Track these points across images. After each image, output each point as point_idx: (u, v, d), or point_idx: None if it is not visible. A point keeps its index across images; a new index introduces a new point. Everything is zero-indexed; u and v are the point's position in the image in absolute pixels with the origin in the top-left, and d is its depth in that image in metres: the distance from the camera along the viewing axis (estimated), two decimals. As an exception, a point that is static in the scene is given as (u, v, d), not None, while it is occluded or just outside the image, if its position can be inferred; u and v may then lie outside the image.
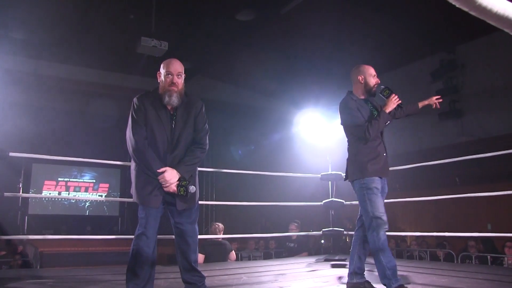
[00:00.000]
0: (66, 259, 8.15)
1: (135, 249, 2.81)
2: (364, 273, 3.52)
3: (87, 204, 12.48)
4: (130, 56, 9.18)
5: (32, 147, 7.24)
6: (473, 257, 6.82)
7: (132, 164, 2.98)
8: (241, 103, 11.99)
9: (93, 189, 12.65)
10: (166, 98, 2.91)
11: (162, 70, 3.00)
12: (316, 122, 6.58)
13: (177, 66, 2.99)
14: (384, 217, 3.21)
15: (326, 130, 6.26)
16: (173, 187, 2.82)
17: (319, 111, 6.96)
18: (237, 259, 6.94)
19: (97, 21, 8.56)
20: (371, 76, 3.48)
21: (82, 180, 12.59)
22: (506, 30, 0.74)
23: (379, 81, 3.52)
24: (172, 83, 2.93)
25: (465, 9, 0.71)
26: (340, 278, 4.11)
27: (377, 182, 3.30)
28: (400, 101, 3.43)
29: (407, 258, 7.89)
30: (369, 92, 3.48)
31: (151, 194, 2.84)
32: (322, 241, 9.23)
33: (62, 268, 5.17)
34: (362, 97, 3.49)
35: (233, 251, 6.26)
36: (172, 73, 2.95)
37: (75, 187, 12.37)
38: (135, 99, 2.96)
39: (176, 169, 2.86)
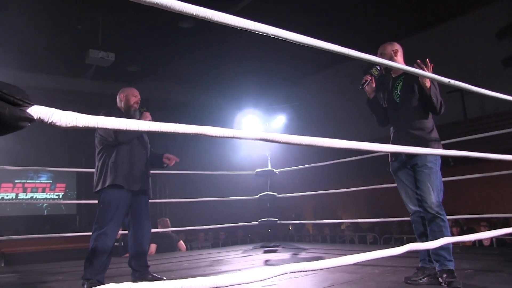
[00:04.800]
0: (28, 258, 8.42)
1: (95, 245, 3.30)
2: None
3: (45, 204, 12.81)
4: (81, 61, 9.59)
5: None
6: (393, 239, 7.80)
7: (111, 158, 3.50)
8: (187, 102, 12.61)
9: (50, 189, 12.95)
10: (132, 112, 3.67)
11: (125, 93, 3.73)
12: (255, 121, 7.40)
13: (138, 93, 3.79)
14: None
15: (265, 129, 7.06)
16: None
17: (258, 112, 7.78)
18: (187, 249, 7.67)
19: (47, 28, 8.89)
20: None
21: (39, 181, 12.85)
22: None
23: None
24: (136, 102, 3.71)
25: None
26: (266, 261, 4.89)
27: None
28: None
29: (341, 242, 8.84)
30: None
31: (136, 178, 3.51)
32: (269, 230, 10.03)
33: (25, 265, 5.65)
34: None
35: (182, 241, 6.96)
36: (137, 95, 3.74)
37: (32, 188, 12.65)
38: (102, 114, 3.50)
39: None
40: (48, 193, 12.88)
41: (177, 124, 1.25)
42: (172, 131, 1.23)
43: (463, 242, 6.31)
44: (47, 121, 1.01)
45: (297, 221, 8.42)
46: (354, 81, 3.47)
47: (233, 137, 1.39)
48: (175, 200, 7.13)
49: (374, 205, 10.28)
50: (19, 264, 5.86)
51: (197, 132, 1.28)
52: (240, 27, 1.48)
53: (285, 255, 5.43)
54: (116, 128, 1.15)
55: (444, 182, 5.33)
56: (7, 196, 12.12)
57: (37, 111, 1.00)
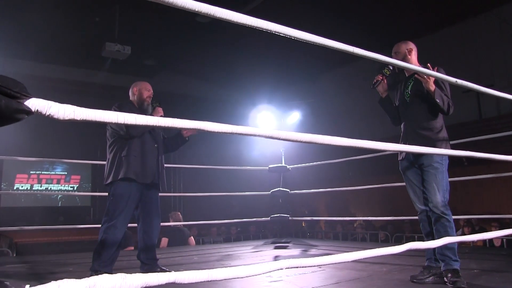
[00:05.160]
0: (40, 249, 8.52)
1: (104, 237, 3.34)
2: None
3: (60, 195, 12.96)
4: (97, 54, 9.67)
5: (1, 143, 7.69)
6: (404, 237, 7.76)
7: (123, 151, 3.53)
8: (202, 96, 12.66)
9: (65, 181, 13.08)
10: (144, 106, 3.69)
11: (138, 87, 3.74)
12: (269, 117, 7.42)
13: (151, 87, 3.79)
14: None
15: (279, 125, 7.08)
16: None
17: (273, 108, 7.79)
18: (199, 244, 7.73)
19: (64, 20, 8.96)
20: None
21: (54, 173, 12.98)
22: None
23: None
24: (149, 96, 3.71)
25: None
26: (276, 257, 4.89)
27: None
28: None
29: (353, 240, 8.81)
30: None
31: (147, 172, 3.53)
32: (280, 226, 10.02)
33: (36, 256, 5.71)
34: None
35: (192, 237, 7.00)
36: (149, 89, 3.74)
37: (47, 179, 12.77)
38: (115, 107, 3.56)
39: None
40: (63, 185, 13.04)
41: (175, 119, 1.27)
42: (170, 126, 1.25)
43: (473, 242, 6.25)
44: (45, 113, 1.03)
45: (308, 218, 8.43)
46: (368, 79, 3.48)
47: (232, 133, 1.40)
48: (188, 194, 7.23)
49: (387, 203, 10.22)
50: (31, 255, 5.94)
51: (195, 127, 1.29)
52: (240, 23, 1.48)
53: (295, 251, 5.44)
54: (114, 122, 1.17)
55: (458, 182, 5.27)
56: (22, 186, 12.30)
57: (35, 103, 1.02)
